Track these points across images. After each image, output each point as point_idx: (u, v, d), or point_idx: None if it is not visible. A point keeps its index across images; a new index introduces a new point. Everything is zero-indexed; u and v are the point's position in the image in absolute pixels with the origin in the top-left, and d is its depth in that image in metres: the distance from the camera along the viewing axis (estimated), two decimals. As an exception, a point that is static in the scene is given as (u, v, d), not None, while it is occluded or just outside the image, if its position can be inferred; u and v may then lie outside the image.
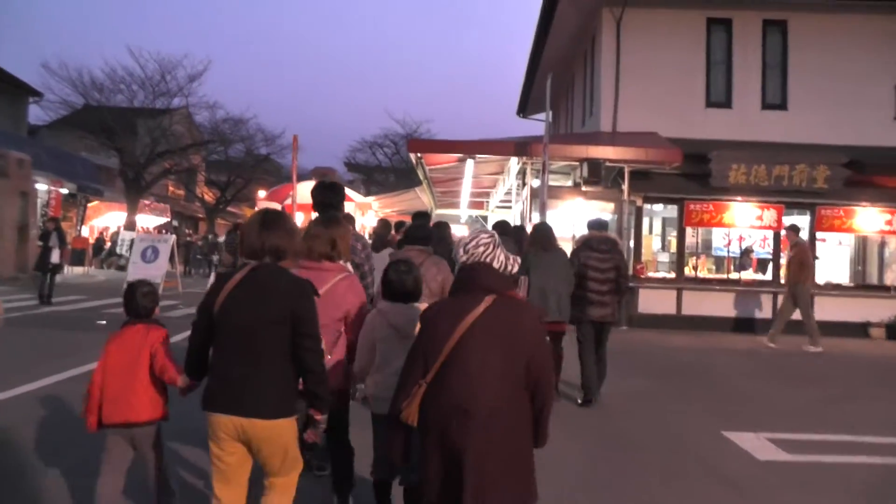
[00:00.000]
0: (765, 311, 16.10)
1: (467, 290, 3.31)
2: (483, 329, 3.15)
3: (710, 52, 17.76)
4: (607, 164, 15.28)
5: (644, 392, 9.48)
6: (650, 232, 18.17)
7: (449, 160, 18.10)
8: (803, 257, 13.83)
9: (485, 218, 28.31)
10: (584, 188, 15.76)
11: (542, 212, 13.45)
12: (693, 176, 16.33)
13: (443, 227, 9.40)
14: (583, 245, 8.76)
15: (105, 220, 36.78)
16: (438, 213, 29.55)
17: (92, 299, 18.17)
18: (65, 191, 27.67)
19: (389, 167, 57.53)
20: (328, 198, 5.42)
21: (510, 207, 24.69)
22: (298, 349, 3.50)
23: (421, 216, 9.39)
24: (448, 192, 25.41)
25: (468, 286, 3.32)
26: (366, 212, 25.37)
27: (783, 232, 15.48)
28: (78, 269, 26.64)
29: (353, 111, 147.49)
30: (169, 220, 40.24)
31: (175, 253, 21.46)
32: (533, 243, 8.64)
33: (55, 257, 16.91)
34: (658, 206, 17.61)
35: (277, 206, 17.26)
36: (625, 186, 15.86)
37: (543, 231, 8.89)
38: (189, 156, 38.36)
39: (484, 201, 28.08)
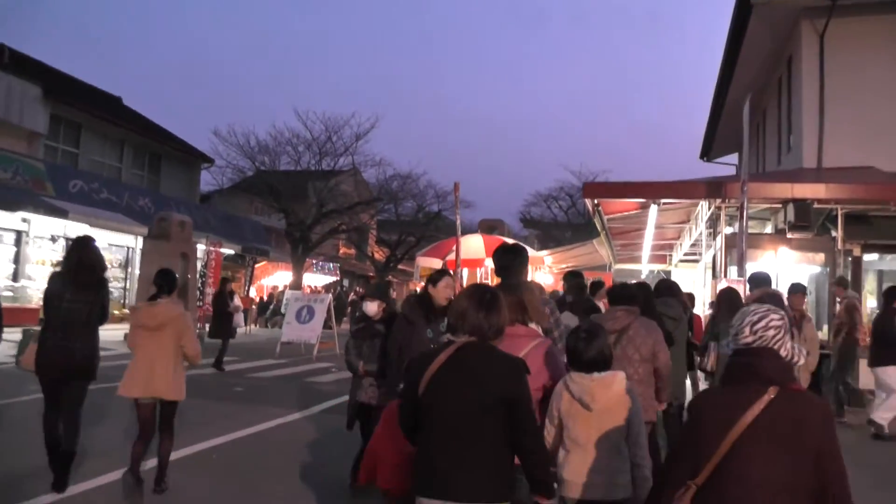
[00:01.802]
0: None
1: (744, 381, 2.88)
2: (765, 429, 2.74)
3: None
4: (816, 205, 12.97)
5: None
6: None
7: (629, 207, 16.14)
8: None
9: (668, 273, 25.91)
10: (789, 235, 13.43)
11: (741, 264, 11.29)
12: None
13: (645, 287, 7.92)
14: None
15: (273, 279, 37.01)
16: (618, 268, 27.54)
17: (244, 360, 17.32)
18: (227, 251, 27.56)
19: (566, 222, 55.72)
20: (509, 261, 5.09)
21: (697, 261, 22.48)
22: (515, 432, 3.38)
23: (574, 276, 9.55)
24: (628, 244, 23.33)
25: (746, 375, 2.89)
26: (539, 267, 23.23)
27: None
28: (240, 330, 26.30)
29: (527, 166, 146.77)
30: (338, 279, 40.17)
31: (332, 313, 20.70)
32: (721, 304, 8.07)
33: (239, 321, 16.30)
34: (871, 256, 14.78)
35: (438, 263, 15.84)
36: (838, 233, 13.39)
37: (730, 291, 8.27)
38: (357, 215, 38.16)
39: (667, 254, 25.86)
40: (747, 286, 10.02)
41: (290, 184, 34.33)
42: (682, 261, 23.97)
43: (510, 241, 18.50)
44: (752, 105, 12.39)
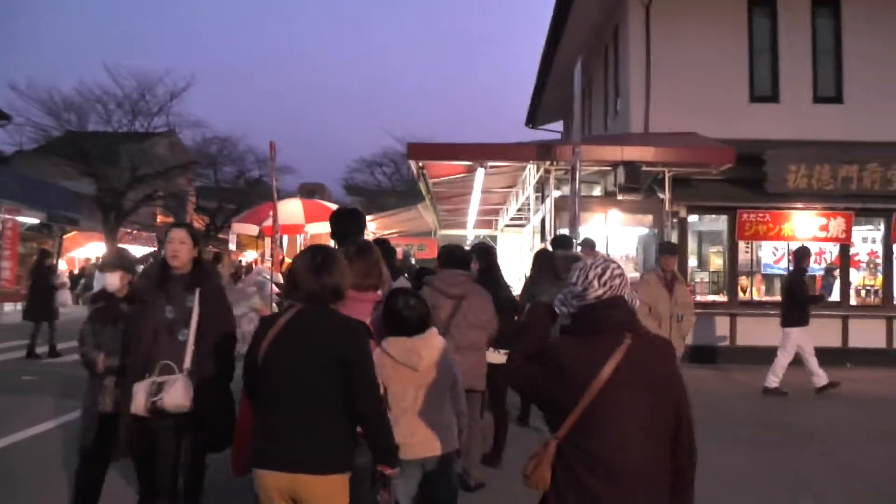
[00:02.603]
0: (830, 339, 13.47)
1: (601, 330, 2.84)
2: (627, 374, 2.72)
3: (753, 39, 15.41)
4: (644, 168, 12.87)
5: (748, 472, 6.97)
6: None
7: (455, 171, 15.63)
8: None
9: (494, 239, 25.77)
10: (619, 197, 13.28)
11: (574, 226, 10.97)
12: (742, 181, 13.95)
13: (490, 252, 7.80)
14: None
15: (85, 251, 34.39)
16: (443, 233, 27.19)
17: (43, 343, 15.18)
18: (29, 220, 25.17)
19: (390, 189, 54.98)
20: (349, 227, 4.98)
21: (523, 226, 22.42)
22: (353, 397, 3.28)
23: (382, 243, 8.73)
24: (454, 210, 22.96)
25: (602, 325, 2.85)
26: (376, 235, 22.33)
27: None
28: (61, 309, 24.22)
29: (351, 132, 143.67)
30: (155, 249, 38.04)
31: None
32: (536, 265, 8.02)
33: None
34: (692, 218, 14.85)
35: (254, 229, 14.80)
36: (665, 195, 13.37)
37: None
38: (174, 179, 36.01)
39: (493, 219, 25.76)
40: (578, 248, 9.84)
41: (100, 146, 31.62)
42: (507, 225, 23.91)
43: (331, 205, 17.78)
44: (585, 59, 12.05)
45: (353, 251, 4.27)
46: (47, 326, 14.19)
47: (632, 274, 11.65)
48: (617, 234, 13.73)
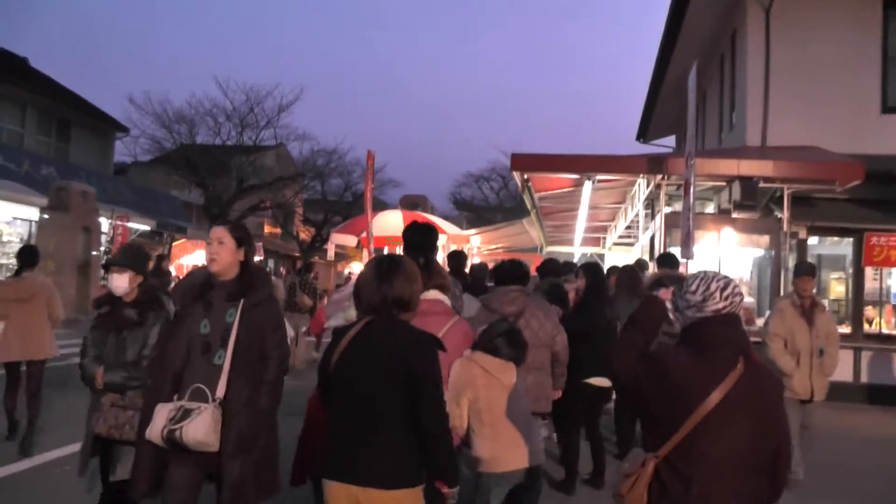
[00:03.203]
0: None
1: (715, 348, 2.73)
2: (735, 403, 2.63)
3: (888, 44, 14.19)
4: (761, 184, 12.07)
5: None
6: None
7: (561, 184, 15.08)
8: None
9: (601, 257, 25.04)
10: (734, 215, 12.48)
11: (687, 245, 10.28)
12: (870, 201, 12.82)
13: (596, 269, 7.47)
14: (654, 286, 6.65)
15: (193, 258, 35.06)
16: (549, 250, 26.59)
17: None
18: (140, 226, 25.85)
19: (497, 205, 54.68)
20: (421, 240, 4.72)
21: (632, 244, 21.70)
22: (419, 411, 3.15)
23: (456, 256, 9.14)
24: (560, 225, 22.34)
25: (717, 342, 2.74)
26: (462, 248, 21.50)
27: None
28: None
29: (459, 146, 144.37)
30: (261, 258, 38.58)
31: None
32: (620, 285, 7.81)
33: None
34: (812, 240, 13.83)
35: (353, 240, 14.57)
36: (784, 214, 12.50)
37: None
38: (280, 191, 36.49)
39: (600, 237, 25.02)
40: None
41: (210, 157, 32.58)
42: (616, 243, 23.16)
43: (433, 217, 17.49)
44: (698, 71, 11.33)
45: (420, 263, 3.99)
46: None
47: (747, 299, 10.88)
48: (730, 255, 12.89)
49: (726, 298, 2.81)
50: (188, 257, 35.08)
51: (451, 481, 3.33)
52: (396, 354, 3.18)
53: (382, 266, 3.35)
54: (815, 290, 7.51)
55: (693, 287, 2.87)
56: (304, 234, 44.22)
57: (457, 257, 9.09)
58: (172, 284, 15.04)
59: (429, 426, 3.18)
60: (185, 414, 3.69)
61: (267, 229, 44.04)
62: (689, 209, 10.37)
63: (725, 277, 2.88)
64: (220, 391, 3.79)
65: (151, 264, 16.21)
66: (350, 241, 14.82)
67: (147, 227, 26.86)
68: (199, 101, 34.03)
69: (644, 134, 26.86)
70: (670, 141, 26.96)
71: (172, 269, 30.54)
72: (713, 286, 2.84)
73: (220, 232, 4.03)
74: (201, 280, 4.06)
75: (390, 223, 14.06)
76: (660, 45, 18.81)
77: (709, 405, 2.61)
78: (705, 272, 2.95)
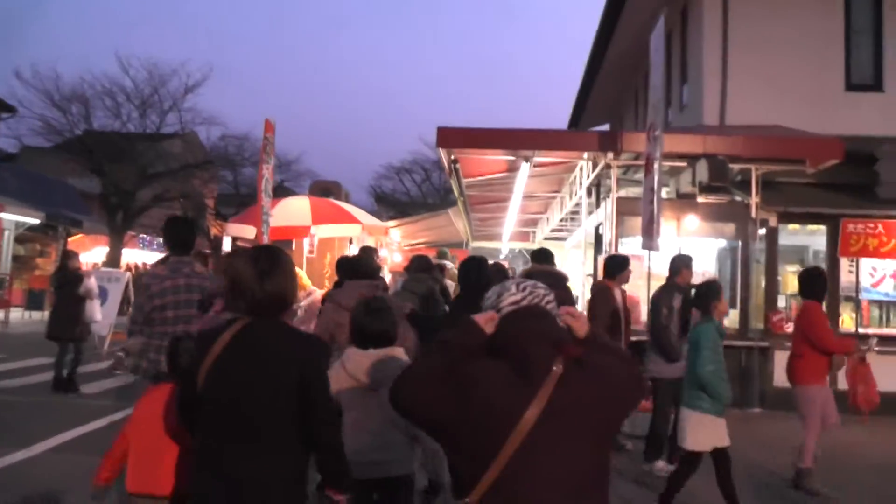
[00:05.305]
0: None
1: (529, 344, 2.28)
2: (561, 412, 2.16)
3: (851, 17, 13.06)
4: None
5: None
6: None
7: (494, 168, 13.28)
8: None
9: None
10: (700, 199, 10.80)
11: (650, 234, 8.50)
12: (842, 186, 11.44)
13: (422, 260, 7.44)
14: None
15: (92, 255, 32.22)
16: (475, 245, 24.83)
17: (11, 359, 13.06)
18: (27, 219, 23.23)
19: (420, 200, 52.88)
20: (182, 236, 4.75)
21: (564, 239, 20.12)
22: (310, 422, 2.89)
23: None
24: (488, 218, 20.58)
25: (529, 338, 2.30)
26: (379, 241, 18.47)
27: None
28: (36, 315, 22.03)
29: (382, 139, 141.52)
30: (167, 255, 36.10)
31: (132, 296, 15.63)
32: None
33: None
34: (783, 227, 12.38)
35: (251, 231, 12.36)
36: (753, 199, 10.88)
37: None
38: (189, 180, 33.89)
39: (530, 231, 23.37)
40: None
41: (112, 143, 29.75)
42: (547, 238, 21.51)
43: (346, 206, 15.49)
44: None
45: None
46: (73, 348, 10.98)
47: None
48: (689, 247, 11.21)
49: (523, 290, 2.43)
50: (86, 254, 32.27)
51: (344, 485, 3.08)
52: (287, 359, 2.88)
53: (261, 259, 3.01)
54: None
55: (488, 294, 2.53)
56: (216, 229, 41.95)
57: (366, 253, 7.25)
58: (86, 287, 11.94)
59: (324, 436, 2.95)
60: None
61: (177, 223, 41.76)
62: (654, 190, 8.60)
63: (527, 279, 2.53)
64: None
65: (55, 265, 13.47)
66: (249, 232, 12.58)
67: (35, 221, 23.89)
68: (96, 79, 31.09)
69: (576, 123, 25.45)
70: (604, 129, 25.62)
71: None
72: (507, 283, 2.51)
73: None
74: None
75: (296, 211, 12.02)
76: (600, 22, 17.35)
77: (526, 424, 2.14)
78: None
